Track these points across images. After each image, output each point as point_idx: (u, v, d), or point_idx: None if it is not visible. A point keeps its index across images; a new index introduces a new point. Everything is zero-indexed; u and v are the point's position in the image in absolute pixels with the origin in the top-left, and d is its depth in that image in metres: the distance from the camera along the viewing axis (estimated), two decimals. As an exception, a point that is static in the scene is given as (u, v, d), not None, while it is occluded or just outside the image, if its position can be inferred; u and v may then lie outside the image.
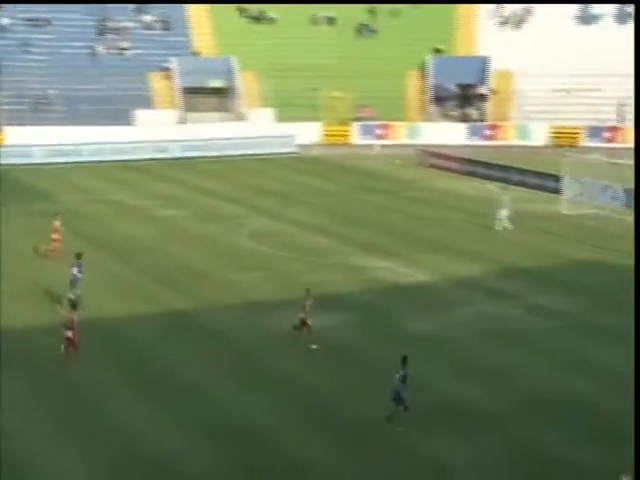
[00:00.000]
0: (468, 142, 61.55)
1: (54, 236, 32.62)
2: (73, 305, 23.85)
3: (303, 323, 24.60)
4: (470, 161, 51.98)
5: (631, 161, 39.39)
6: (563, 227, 38.54)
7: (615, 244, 35.39)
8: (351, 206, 42.97)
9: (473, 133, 62.77)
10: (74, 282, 27.01)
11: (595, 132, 59.89)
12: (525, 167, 48.26)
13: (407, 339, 25.29)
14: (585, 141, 59.21)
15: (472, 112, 65.63)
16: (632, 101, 59.60)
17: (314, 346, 24.32)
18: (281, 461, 18.57)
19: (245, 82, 64.26)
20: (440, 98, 65.89)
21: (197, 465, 18.50)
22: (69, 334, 22.71)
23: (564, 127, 60.91)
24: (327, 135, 63.15)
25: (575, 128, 60.56)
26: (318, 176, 51.43)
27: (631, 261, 32.76)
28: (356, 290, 29.82)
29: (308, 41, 66.39)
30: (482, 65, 65.62)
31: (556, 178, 44.38)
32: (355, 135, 63.57)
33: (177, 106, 62.22)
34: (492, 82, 65.22)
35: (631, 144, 57.48)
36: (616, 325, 26.08)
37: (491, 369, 23.12)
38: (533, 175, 47.20)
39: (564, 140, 59.70)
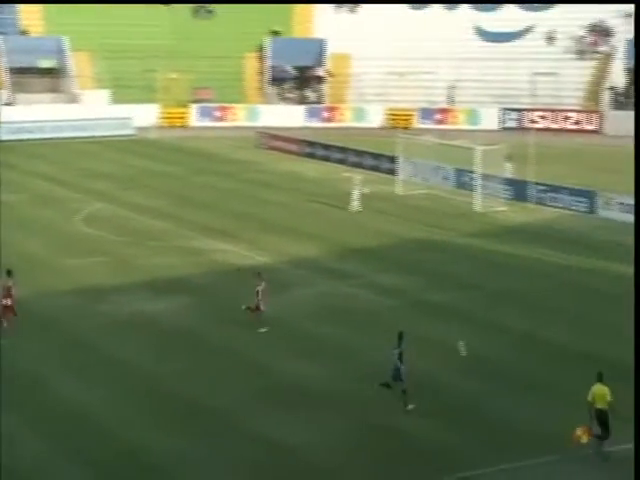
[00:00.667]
0: (306, 124, 62.06)
1: None
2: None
3: (257, 307, 24.39)
4: (309, 143, 52.49)
5: (460, 142, 40.79)
6: (398, 207, 39.52)
7: (447, 223, 36.62)
8: (191, 189, 42.62)
9: (311, 115, 63.40)
10: None
11: (427, 114, 61.70)
12: (362, 148, 49.19)
13: (247, 321, 25.33)
14: (418, 123, 60.92)
15: (310, 94, 66.29)
16: (462, 84, 61.81)
17: (263, 329, 24.15)
18: (116, 448, 18.23)
19: (78, 63, 62.44)
20: (278, 80, 66.20)
21: (28, 455, 17.94)
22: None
23: (398, 109, 62.44)
24: (165, 117, 62.34)
25: (408, 110, 62.19)
26: (156, 159, 50.67)
27: (463, 240, 34.04)
28: (196, 273, 29.63)
29: (143, 21, 65.12)
30: (319, 48, 66.33)
31: (391, 159, 45.46)
32: (193, 117, 63.02)
33: (4, 87, 59.69)
34: (329, 65, 66.06)
35: (461, 125, 59.69)
36: (450, 302, 27.02)
37: (331, 348, 23.47)
38: (370, 156, 48.16)
39: (399, 122, 61.20)
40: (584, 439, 17.63)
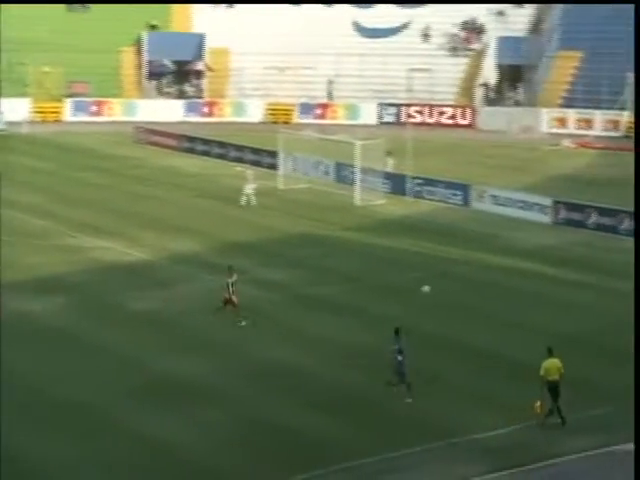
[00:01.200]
0: (185, 119, 61.50)
1: None
2: None
3: (227, 302, 24.29)
4: (188, 138, 52.01)
5: (340, 137, 41.25)
6: (280, 202, 39.61)
7: (328, 217, 36.93)
8: (67, 185, 41.66)
9: (190, 110, 62.81)
10: None
11: (307, 109, 62.01)
12: (242, 143, 49.05)
13: (128, 319, 24.95)
14: (298, 118, 61.18)
15: (189, 89, 65.68)
16: (341, 79, 62.44)
17: (243, 323, 24.17)
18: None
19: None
20: (156, 74, 65.33)
21: None
22: None
23: (278, 104, 62.53)
24: (37, 112, 60.62)
25: (288, 105, 62.37)
26: (29, 155, 49.21)
27: (343, 233, 34.41)
28: (74, 271, 29.03)
29: (15, 12, 63.07)
30: (198, 42, 65.75)
31: (272, 154, 45.50)
32: (68, 112, 61.53)
33: None
34: (208, 59, 65.60)
35: (340, 120, 60.29)
36: (329, 295, 27.28)
37: (214, 344, 23.36)
38: (250, 151, 48.06)
39: (279, 117, 61.27)
40: (540, 410, 18.70)
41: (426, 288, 25.11)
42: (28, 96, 59.74)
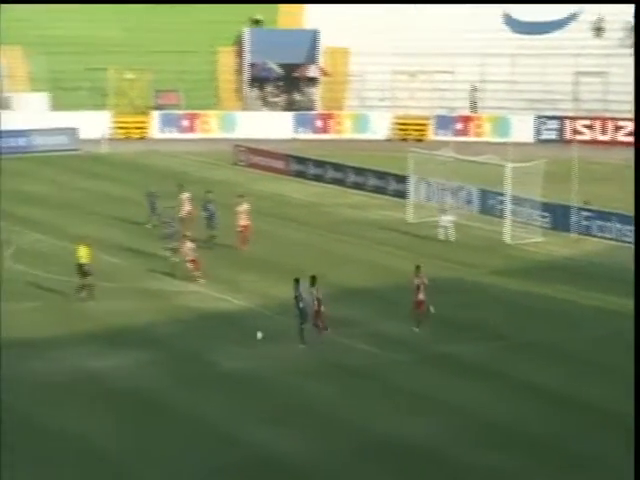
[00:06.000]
0: (295, 135, 62.63)
1: None
2: None
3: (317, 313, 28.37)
4: (298, 159, 52.92)
5: (487, 158, 41.21)
6: (408, 238, 39.82)
7: (469, 258, 36.89)
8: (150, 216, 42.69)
9: (300, 124, 63.94)
10: None
11: (444, 123, 62.25)
12: (363, 166, 49.55)
13: (219, 380, 25.53)
14: (433, 134, 61.43)
15: (299, 98, 66.83)
16: (488, 86, 62.42)
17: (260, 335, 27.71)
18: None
19: (8, 59, 62.95)
20: (259, 80, 66.78)
21: None
22: None
23: (409, 117, 63.01)
24: (119, 127, 62.71)
25: (421, 118, 62.74)
26: (107, 179, 50.94)
27: (489, 279, 34.31)
28: (155, 321, 29.83)
29: (85, 8, 65.43)
30: (311, 40, 66.91)
31: (400, 178, 45.80)
32: (155, 127, 63.43)
33: None
34: (323, 62, 66.62)
35: (487, 137, 60.28)
36: (467, 355, 27.21)
37: (320, 413, 23.63)
38: (373, 175, 48.56)
39: (409, 133, 61.81)
40: None
41: (259, 335, 27.82)
42: (108, 108, 61.87)
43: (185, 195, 39.99)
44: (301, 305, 27.62)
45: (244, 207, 37.24)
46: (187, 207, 39.52)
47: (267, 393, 24.85)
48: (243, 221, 37.20)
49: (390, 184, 47.10)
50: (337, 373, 26.18)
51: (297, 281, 27.86)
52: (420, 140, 59.10)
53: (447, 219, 39.55)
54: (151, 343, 28.11)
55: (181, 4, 67.51)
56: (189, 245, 33.26)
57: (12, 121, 58.62)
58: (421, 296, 29.07)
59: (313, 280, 27.81)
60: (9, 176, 51.52)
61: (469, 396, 24.63)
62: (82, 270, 31.38)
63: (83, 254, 31.63)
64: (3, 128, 57.62)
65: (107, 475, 20.95)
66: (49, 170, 53.27)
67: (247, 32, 67.40)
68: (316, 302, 27.71)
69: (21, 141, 58.15)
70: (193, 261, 33.20)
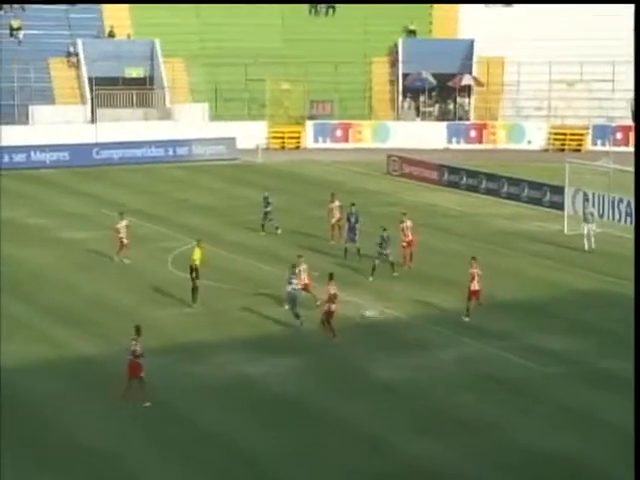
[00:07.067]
0: (448, 145, 62.43)
1: None
2: None
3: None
4: (450, 169, 52.75)
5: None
6: (564, 250, 39.22)
7: (628, 271, 36.05)
8: (308, 226, 43.03)
9: (454, 134, 63.73)
10: None
11: (603, 133, 61.01)
12: (519, 176, 49.06)
13: (370, 389, 25.62)
14: (592, 144, 60.35)
15: (453, 108, 66.59)
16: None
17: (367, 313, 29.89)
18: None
19: (171, 71, 64.58)
20: (413, 90, 66.81)
21: None
22: None
23: (566, 127, 62.09)
24: (275, 137, 63.65)
25: (579, 128, 61.74)
26: (263, 188, 51.60)
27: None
28: (304, 329, 30.05)
29: (247, 20, 66.72)
30: (466, 50, 66.68)
31: (556, 190, 45.21)
32: (309, 137, 64.14)
33: (85, 101, 62.25)
34: (477, 71, 66.26)
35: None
36: (626, 371, 26.61)
37: (469, 425, 23.50)
38: (528, 186, 48.04)
39: (567, 143, 60.92)
40: None
41: (367, 313, 28.64)
42: (264, 119, 62.90)
43: (335, 204, 40.48)
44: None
45: (407, 224, 37.15)
46: (337, 215, 40.16)
47: (419, 403, 24.83)
48: (408, 237, 36.99)
49: (546, 195, 46.52)
50: (490, 386, 25.96)
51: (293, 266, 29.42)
52: (577, 150, 58.15)
53: (590, 227, 38.77)
54: (298, 350, 28.34)
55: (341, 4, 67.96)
56: (303, 267, 31.51)
57: (175, 131, 60.28)
58: (476, 286, 29.71)
59: None
60: (172, 184, 52.87)
61: (623, 413, 24.10)
62: (195, 273, 31.58)
63: (197, 257, 31.80)
64: (167, 138, 59.17)
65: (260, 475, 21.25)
66: (208, 179, 54.35)
67: (401, 42, 67.56)
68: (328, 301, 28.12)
69: (182, 150, 59.59)
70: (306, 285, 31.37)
